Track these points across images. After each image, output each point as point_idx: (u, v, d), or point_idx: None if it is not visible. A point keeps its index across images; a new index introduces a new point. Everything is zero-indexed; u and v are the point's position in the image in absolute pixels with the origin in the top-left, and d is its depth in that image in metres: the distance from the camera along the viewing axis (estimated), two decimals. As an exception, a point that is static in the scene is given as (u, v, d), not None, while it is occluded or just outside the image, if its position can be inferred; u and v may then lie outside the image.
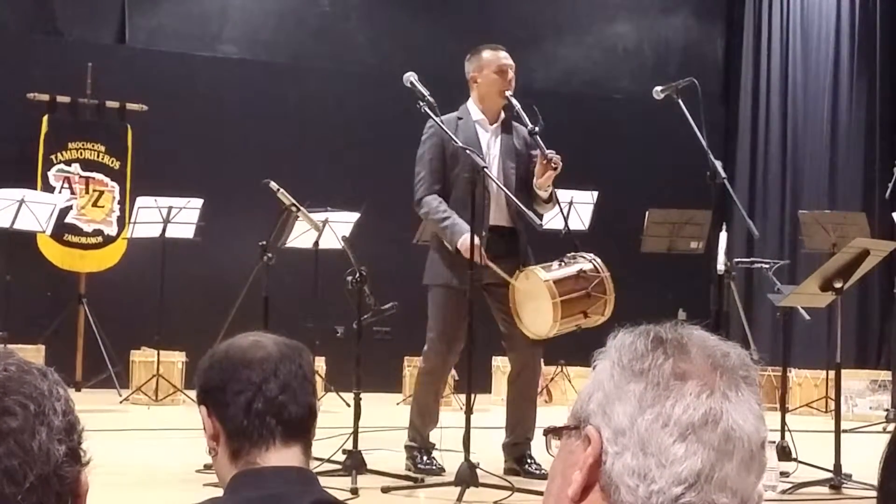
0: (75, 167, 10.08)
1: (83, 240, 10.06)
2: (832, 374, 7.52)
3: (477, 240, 5.62)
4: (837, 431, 5.88)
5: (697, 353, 1.20)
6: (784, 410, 6.82)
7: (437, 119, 5.75)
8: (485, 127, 6.10)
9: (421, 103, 5.69)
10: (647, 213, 9.45)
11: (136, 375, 9.57)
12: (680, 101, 6.10)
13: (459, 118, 5.98)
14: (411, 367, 9.47)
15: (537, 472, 5.86)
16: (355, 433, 5.65)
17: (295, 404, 2.11)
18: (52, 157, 10.01)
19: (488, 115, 6.11)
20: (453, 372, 9.64)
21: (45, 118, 10.02)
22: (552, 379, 10.44)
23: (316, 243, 9.02)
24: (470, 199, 5.54)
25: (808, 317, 7.90)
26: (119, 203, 10.18)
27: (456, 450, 5.57)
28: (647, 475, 1.15)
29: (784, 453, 6.24)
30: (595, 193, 9.86)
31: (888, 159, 10.73)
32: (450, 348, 6.06)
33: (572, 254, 5.96)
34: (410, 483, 5.61)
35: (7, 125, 10.08)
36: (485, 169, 5.57)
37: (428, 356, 6.14)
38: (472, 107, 6.13)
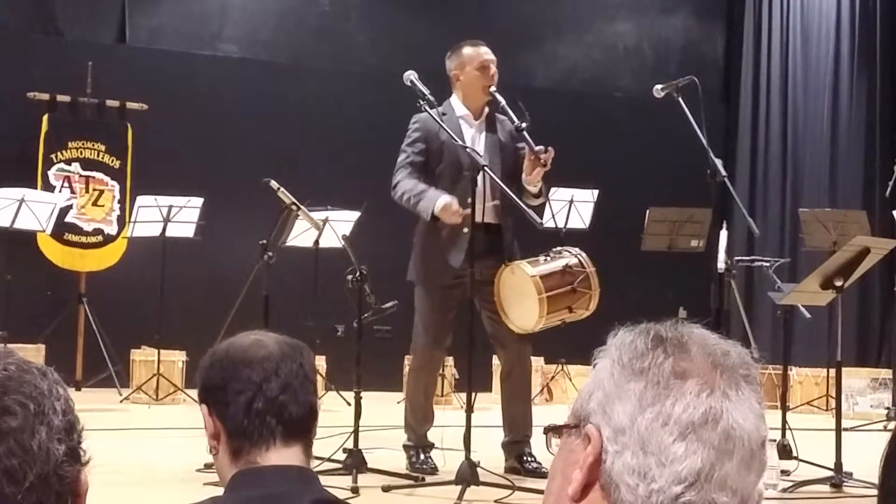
0: (75, 166, 10.08)
1: (83, 239, 10.06)
2: (833, 372, 7.53)
3: (455, 201, 5.65)
4: (838, 430, 5.88)
5: (698, 351, 1.20)
6: (785, 409, 6.82)
7: (437, 119, 5.75)
8: (469, 122, 6.09)
9: (421, 102, 5.69)
10: (647, 211, 9.45)
11: (136, 375, 9.58)
12: (680, 99, 6.10)
13: (443, 114, 5.96)
14: (412, 366, 9.47)
15: (538, 470, 5.86)
16: (356, 432, 5.65)
17: (296, 404, 2.11)
18: (53, 156, 10.01)
19: (472, 110, 6.10)
20: (454, 371, 9.68)
21: (46, 117, 10.02)
22: (553, 377, 10.45)
23: (316, 242, 9.01)
24: (463, 196, 5.61)
25: (808, 315, 7.91)
26: (119, 202, 10.18)
27: (457, 448, 5.57)
28: (647, 474, 1.15)
29: (785, 451, 6.24)
30: (595, 192, 9.86)
31: (888, 157, 10.73)
32: (436, 343, 6.08)
33: (558, 248, 5.96)
34: (411, 482, 5.61)
35: (7, 125, 10.08)
36: (485, 167, 5.57)
37: (415, 352, 6.18)
38: (456, 102, 6.11)
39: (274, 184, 6.32)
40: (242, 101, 10.89)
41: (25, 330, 9.35)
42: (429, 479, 5.72)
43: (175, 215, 9.41)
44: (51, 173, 9.97)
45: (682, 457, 1.15)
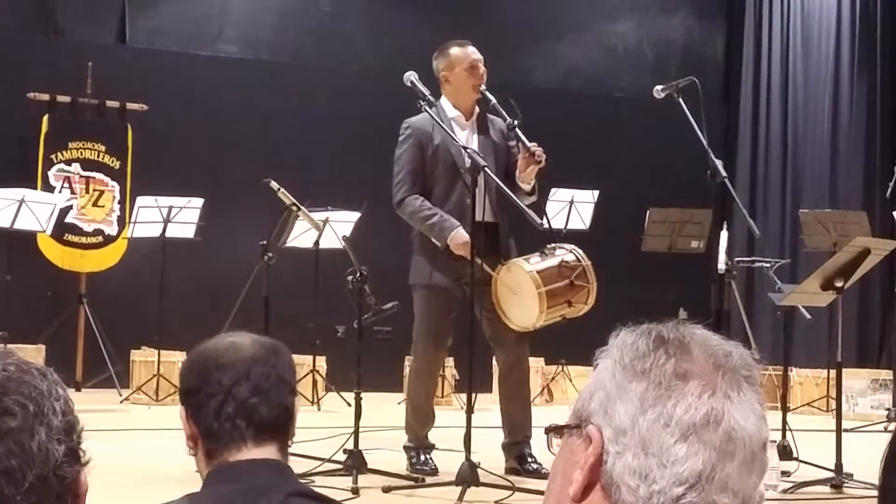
0: (75, 167, 10.08)
1: (83, 239, 10.05)
2: (833, 373, 7.53)
3: (468, 236, 5.68)
4: (838, 430, 5.88)
5: (699, 352, 1.19)
6: (785, 410, 6.82)
7: (437, 120, 5.75)
8: (461, 124, 6.08)
9: (421, 102, 5.70)
10: (647, 212, 9.44)
11: (136, 375, 9.57)
12: (680, 100, 6.10)
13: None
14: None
15: (538, 471, 5.85)
16: (356, 433, 5.64)
17: (266, 405, 2.14)
18: (53, 156, 10.01)
19: (463, 111, 6.10)
20: (454, 371, 9.67)
21: (46, 118, 10.01)
22: (553, 378, 10.44)
23: (316, 243, 9.01)
24: (460, 197, 5.62)
25: (808, 316, 7.91)
26: (119, 203, 10.17)
27: (457, 449, 5.57)
28: (648, 475, 1.15)
29: (785, 452, 6.24)
30: (596, 192, 9.86)
31: (888, 158, 10.73)
32: (436, 346, 6.09)
33: (552, 245, 5.96)
34: (411, 483, 5.60)
35: (7, 125, 10.07)
36: (485, 168, 5.57)
37: (416, 353, 6.17)
38: (446, 104, 6.10)
39: (274, 184, 6.31)
40: (242, 101, 10.88)
41: (25, 330, 9.34)
42: (429, 479, 5.72)
43: (175, 216, 9.41)
44: (51, 174, 9.97)
45: (683, 458, 1.15)
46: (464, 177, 5.77)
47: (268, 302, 6.30)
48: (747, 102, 12.61)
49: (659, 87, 6.18)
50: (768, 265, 8.20)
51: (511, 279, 5.82)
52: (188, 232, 9.50)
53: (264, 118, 10.87)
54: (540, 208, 6.14)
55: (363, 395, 5.72)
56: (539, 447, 6.00)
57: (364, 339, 5.79)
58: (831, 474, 5.80)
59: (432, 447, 6.12)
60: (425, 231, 5.99)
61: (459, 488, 5.15)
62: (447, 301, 6.02)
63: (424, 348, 6.10)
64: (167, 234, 9.45)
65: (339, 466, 5.58)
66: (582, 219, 9.76)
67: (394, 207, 6.09)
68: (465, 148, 5.66)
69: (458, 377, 9.56)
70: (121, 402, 9.21)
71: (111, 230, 10.13)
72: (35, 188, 9.42)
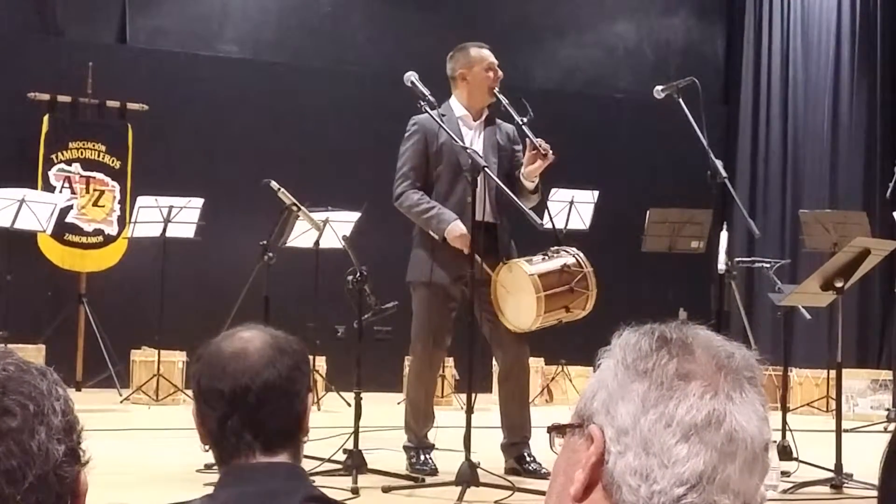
0: (76, 167, 10.08)
1: (84, 239, 10.05)
2: (833, 373, 7.53)
3: (465, 229, 5.68)
4: (838, 431, 5.88)
5: (702, 353, 1.19)
6: (785, 410, 6.82)
7: (438, 120, 5.75)
8: (468, 123, 6.11)
9: (421, 103, 5.70)
10: (647, 212, 9.45)
11: (136, 375, 9.57)
12: (680, 100, 6.10)
13: (442, 115, 5.95)
14: (412, 367, 9.47)
15: (538, 471, 5.86)
16: (356, 433, 5.64)
17: (274, 418, 2.05)
18: (53, 156, 10.01)
19: (473, 111, 6.13)
20: (454, 372, 9.67)
21: (46, 118, 10.01)
22: (553, 378, 10.44)
23: (316, 243, 9.01)
24: (461, 196, 5.62)
25: (808, 316, 7.91)
26: (119, 203, 10.18)
27: (457, 449, 5.57)
28: (649, 475, 1.15)
29: (785, 453, 6.24)
30: (596, 193, 9.86)
31: (889, 158, 10.73)
32: (436, 344, 6.09)
33: (555, 248, 5.96)
34: (411, 483, 5.60)
35: (7, 125, 10.08)
36: (485, 168, 5.58)
37: (415, 353, 6.17)
38: (455, 104, 6.13)
39: (274, 184, 6.31)
40: (242, 101, 10.88)
41: (26, 330, 9.35)
42: (429, 479, 5.72)
43: (175, 216, 9.41)
44: (51, 173, 9.97)
45: (684, 458, 1.14)
46: (466, 176, 5.77)
47: (268, 302, 6.30)
48: (747, 103, 12.61)
49: (659, 88, 6.18)
50: (768, 265, 8.19)
51: (511, 280, 5.82)
52: (188, 232, 9.50)
53: (264, 118, 10.87)
54: (542, 208, 6.15)
55: (363, 394, 5.72)
56: (539, 447, 6.01)
57: (364, 338, 5.78)
58: (831, 474, 5.80)
59: (432, 447, 6.12)
60: (422, 224, 5.99)
61: (459, 488, 5.15)
62: (446, 300, 6.02)
63: (423, 348, 6.10)
64: (167, 234, 9.45)
65: (339, 466, 5.58)
66: (582, 219, 9.76)
67: (393, 202, 6.09)
68: (465, 148, 5.67)
69: (458, 377, 9.56)
70: (121, 401, 9.21)
71: (111, 230, 10.13)
72: (35, 188, 9.43)
